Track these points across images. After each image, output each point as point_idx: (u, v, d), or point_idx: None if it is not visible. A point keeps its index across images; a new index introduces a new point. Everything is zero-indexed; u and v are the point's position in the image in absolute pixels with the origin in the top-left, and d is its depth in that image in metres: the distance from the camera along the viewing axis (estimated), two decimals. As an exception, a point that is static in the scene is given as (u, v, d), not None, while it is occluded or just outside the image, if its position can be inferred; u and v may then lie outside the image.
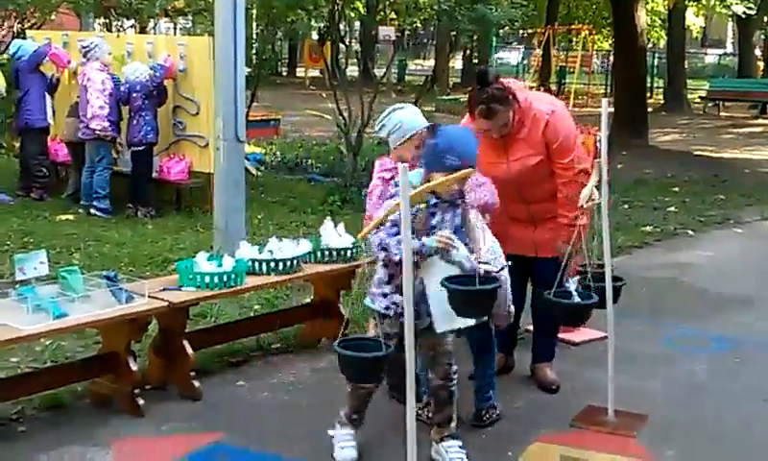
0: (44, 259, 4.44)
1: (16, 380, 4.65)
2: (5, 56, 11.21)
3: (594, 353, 5.42)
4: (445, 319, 3.81)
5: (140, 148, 9.01)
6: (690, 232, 9.45)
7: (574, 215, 4.53)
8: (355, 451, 4.09)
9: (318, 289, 5.69)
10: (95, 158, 9.10)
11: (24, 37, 11.10)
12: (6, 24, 11.19)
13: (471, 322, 3.91)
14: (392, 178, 4.34)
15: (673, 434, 4.45)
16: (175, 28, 23.96)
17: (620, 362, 4.72)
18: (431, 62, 38.54)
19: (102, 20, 15.52)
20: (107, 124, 8.93)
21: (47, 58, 9.73)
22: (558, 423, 4.55)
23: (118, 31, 13.88)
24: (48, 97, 9.82)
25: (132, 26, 15.81)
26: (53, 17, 13.98)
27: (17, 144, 10.61)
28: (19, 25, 13.46)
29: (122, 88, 9.02)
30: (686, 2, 25.14)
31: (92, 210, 9.03)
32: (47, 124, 9.86)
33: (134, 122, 9.00)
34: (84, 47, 9.15)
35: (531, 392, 4.95)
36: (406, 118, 4.49)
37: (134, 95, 8.96)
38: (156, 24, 19.02)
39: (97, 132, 8.92)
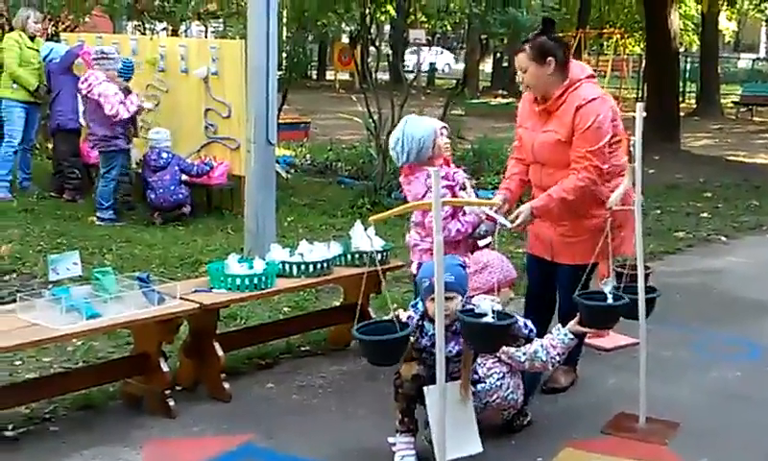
0: (77, 260, 4.47)
1: (49, 380, 4.69)
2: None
3: (626, 360, 5.38)
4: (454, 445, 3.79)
5: None
6: (723, 238, 9.35)
7: (558, 198, 4.58)
8: (415, 459, 4.04)
9: (347, 292, 5.69)
10: (105, 169, 8.96)
11: (58, 40, 11.20)
12: (40, 26, 11.33)
13: (476, 449, 3.95)
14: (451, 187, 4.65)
15: (706, 442, 4.40)
16: (206, 31, 24.12)
17: (652, 369, 4.68)
18: (460, 66, 38.45)
19: (135, 23, 15.65)
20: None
21: (79, 58, 9.79)
22: (588, 429, 4.51)
23: (151, 33, 14.00)
24: (80, 98, 9.88)
25: (164, 29, 15.94)
26: (87, 20, 14.10)
27: (50, 145, 10.70)
28: (53, 28, 13.59)
29: (164, 156, 8.93)
30: (720, 6, 24.91)
31: (96, 221, 8.81)
32: (78, 125, 9.92)
33: (173, 187, 8.89)
34: (102, 53, 8.99)
35: (561, 398, 4.91)
36: (417, 130, 4.63)
37: (176, 168, 8.95)
38: (188, 27, 19.14)
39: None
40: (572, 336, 4.31)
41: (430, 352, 3.94)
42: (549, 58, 4.61)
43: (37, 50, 10.00)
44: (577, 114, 4.58)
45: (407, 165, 4.80)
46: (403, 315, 3.95)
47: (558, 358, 4.32)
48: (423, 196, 4.62)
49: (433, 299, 3.57)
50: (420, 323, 4.03)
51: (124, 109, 8.78)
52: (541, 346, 4.28)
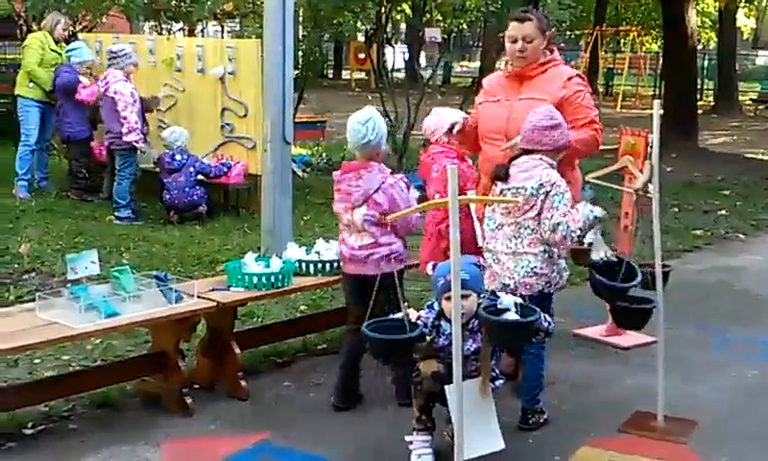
0: (95, 259, 4.49)
1: (68, 378, 4.72)
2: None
3: (643, 358, 5.36)
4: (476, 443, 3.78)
5: None
6: (741, 236, 9.30)
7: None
8: (432, 458, 4.04)
9: (364, 290, 5.68)
10: (119, 167, 9.02)
11: (75, 40, 11.24)
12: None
13: (498, 446, 3.92)
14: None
15: (724, 440, 4.38)
16: (223, 31, 24.19)
17: (670, 367, 4.67)
18: (476, 64, 38.39)
19: (151, 23, 15.69)
20: (141, 137, 8.94)
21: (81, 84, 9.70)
22: (606, 428, 4.49)
23: (168, 33, 14.04)
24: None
25: (180, 29, 15.98)
26: (104, 20, 14.16)
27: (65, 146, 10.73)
28: (71, 27, 13.65)
29: (178, 158, 8.91)
30: (738, 3, 24.74)
31: (114, 220, 8.87)
32: (89, 134, 9.93)
33: (187, 188, 8.91)
34: (112, 53, 9.08)
35: (578, 396, 4.91)
36: (382, 123, 4.74)
37: (191, 169, 8.97)
38: (204, 27, 19.19)
39: (133, 144, 8.92)
40: (597, 216, 4.24)
41: (448, 352, 3.91)
42: (548, 32, 4.73)
43: (60, 53, 10.06)
44: (569, 85, 4.64)
45: (361, 160, 4.66)
46: (413, 315, 3.93)
47: (577, 233, 4.23)
48: (377, 191, 4.56)
49: (449, 297, 3.56)
50: (436, 322, 4.02)
51: (133, 109, 8.81)
52: (565, 219, 4.20)
